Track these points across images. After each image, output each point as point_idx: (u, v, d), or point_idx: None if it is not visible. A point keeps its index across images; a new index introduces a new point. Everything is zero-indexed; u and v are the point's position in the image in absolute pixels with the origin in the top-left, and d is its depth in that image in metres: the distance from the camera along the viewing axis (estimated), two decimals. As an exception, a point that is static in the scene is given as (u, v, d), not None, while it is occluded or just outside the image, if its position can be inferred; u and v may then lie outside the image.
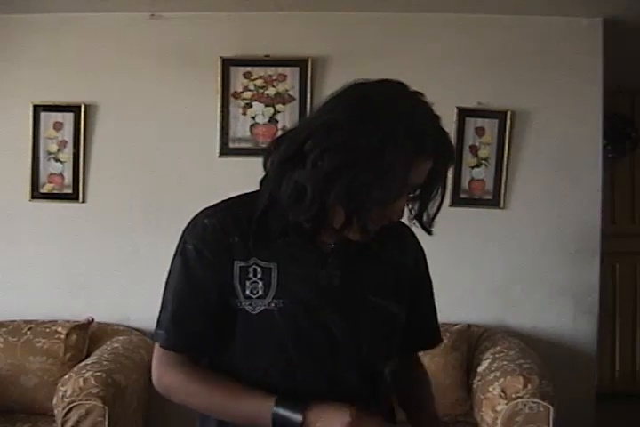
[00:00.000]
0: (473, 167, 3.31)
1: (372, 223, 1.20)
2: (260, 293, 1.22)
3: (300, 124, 1.26)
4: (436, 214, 1.25)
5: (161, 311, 1.29)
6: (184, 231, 1.29)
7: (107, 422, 2.52)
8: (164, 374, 1.27)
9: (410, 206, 1.26)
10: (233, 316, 1.24)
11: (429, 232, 1.27)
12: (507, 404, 2.57)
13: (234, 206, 1.29)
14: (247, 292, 1.23)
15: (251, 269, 1.23)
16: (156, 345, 1.29)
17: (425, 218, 1.25)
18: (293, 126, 1.27)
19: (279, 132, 3.18)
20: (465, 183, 3.30)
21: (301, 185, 1.17)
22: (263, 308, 1.22)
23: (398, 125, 1.13)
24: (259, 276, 1.23)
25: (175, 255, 1.28)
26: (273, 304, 1.22)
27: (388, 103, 1.16)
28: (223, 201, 1.31)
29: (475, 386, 2.85)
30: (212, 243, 1.24)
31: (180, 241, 1.28)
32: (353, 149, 1.13)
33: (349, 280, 1.26)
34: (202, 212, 1.29)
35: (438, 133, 1.18)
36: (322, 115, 1.20)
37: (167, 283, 1.29)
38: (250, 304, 1.22)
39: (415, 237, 1.40)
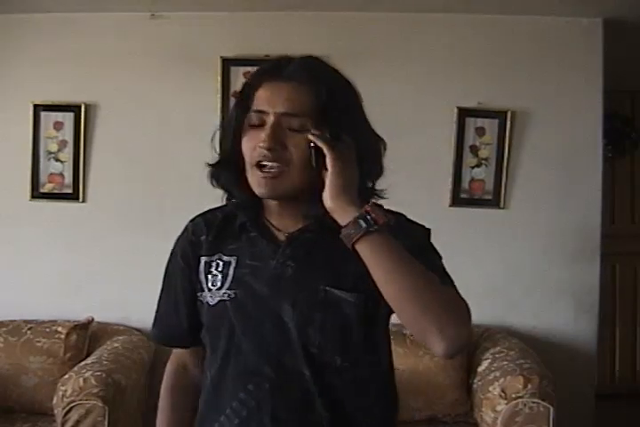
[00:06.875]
0: (473, 167, 3.31)
1: (254, 157, 1.23)
2: (218, 284, 1.29)
3: None
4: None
5: None
6: None
7: (107, 422, 2.52)
8: (165, 374, 1.46)
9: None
10: (201, 310, 1.32)
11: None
12: (507, 404, 2.57)
13: (215, 209, 1.39)
14: (209, 284, 1.30)
15: (214, 264, 1.31)
16: None
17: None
18: None
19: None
20: (465, 183, 3.31)
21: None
22: (219, 299, 1.28)
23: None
24: (219, 269, 1.30)
25: None
26: (226, 295, 1.28)
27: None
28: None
29: (475, 386, 2.85)
30: (184, 244, 1.36)
31: None
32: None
33: (303, 271, 1.26)
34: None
35: (263, 66, 1.28)
36: None
37: None
38: (210, 296, 1.29)
39: None
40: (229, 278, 1.28)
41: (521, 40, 3.30)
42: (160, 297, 1.41)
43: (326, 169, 1.19)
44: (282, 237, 1.29)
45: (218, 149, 1.34)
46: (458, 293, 1.22)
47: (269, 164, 1.21)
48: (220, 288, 1.28)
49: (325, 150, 1.18)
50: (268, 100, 1.22)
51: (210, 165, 1.34)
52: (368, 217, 1.15)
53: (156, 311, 1.42)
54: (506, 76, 3.30)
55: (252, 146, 1.23)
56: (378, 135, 1.29)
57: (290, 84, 1.22)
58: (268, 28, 3.30)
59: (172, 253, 1.38)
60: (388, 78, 3.26)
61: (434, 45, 3.31)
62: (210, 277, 1.30)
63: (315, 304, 1.25)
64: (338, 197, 1.18)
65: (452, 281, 1.25)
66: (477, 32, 3.31)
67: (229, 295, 1.27)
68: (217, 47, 3.27)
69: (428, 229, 1.32)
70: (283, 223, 1.30)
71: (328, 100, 1.21)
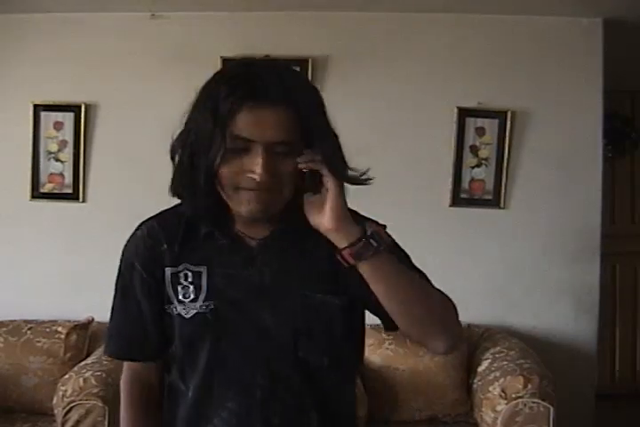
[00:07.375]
0: (473, 167, 3.31)
1: (239, 182, 1.18)
2: (192, 296, 1.24)
3: None
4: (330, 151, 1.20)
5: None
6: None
7: (107, 422, 2.52)
8: (121, 383, 1.36)
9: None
10: (171, 322, 1.26)
11: (362, 181, 1.21)
12: (507, 404, 2.57)
13: (167, 214, 1.33)
14: (180, 296, 1.25)
15: (182, 275, 1.26)
16: None
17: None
18: None
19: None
20: (465, 183, 3.31)
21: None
22: (195, 311, 1.24)
23: (203, 96, 1.24)
24: (189, 280, 1.25)
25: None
26: (204, 307, 1.24)
27: (205, 83, 1.25)
28: (163, 210, 1.35)
29: (475, 386, 2.85)
30: (142, 253, 1.28)
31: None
32: (186, 127, 1.32)
33: (281, 276, 1.25)
34: (141, 222, 1.33)
35: (236, 82, 1.16)
36: None
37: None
38: (184, 308, 1.25)
39: None
40: (204, 289, 1.24)
41: (521, 40, 3.31)
42: (115, 308, 1.32)
43: (317, 189, 1.17)
44: (252, 243, 1.26)
45: (178, 155, 1.32)
46: (438, 289, 1.26)
47: (263, 193, 1.18)
48: (194, 300, 1.24)
49: (327, 173, 1.16)
50: (254, 128, 1.15)
51: (174, 176, 1.32)
52: (377, 236, 1.16)
53: (112, 323, 1.33)
54: (506, 76, 3.30)
55: (235, 171, 1.18)
56: (335, 133, 1.24)
57: (273, 109, 1.14)
58: (268, 28, 3.30)
59: (125, 261, 1.30)
60: (388, 78, 3.27)
61: (434, 45, 3.31)
62: (180, 288, 1.25)
63: (298, 309, 1.24)
64: (341, 218, 1.17)
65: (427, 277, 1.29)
66: (477, 32, 3.31)
67: (208, 307, 1.23)
68: (217, 47, 3.27)
69: (385, 226, 1.27)
70: (251, 230, 1.26)
71: (310, 120, 1.17)
